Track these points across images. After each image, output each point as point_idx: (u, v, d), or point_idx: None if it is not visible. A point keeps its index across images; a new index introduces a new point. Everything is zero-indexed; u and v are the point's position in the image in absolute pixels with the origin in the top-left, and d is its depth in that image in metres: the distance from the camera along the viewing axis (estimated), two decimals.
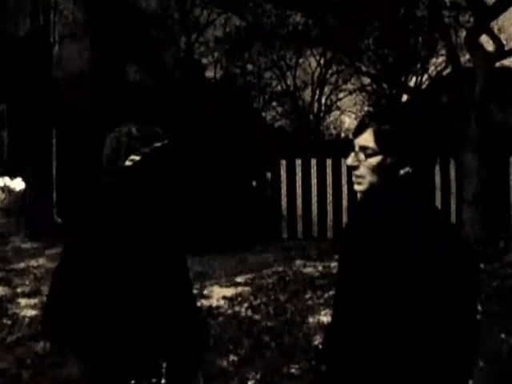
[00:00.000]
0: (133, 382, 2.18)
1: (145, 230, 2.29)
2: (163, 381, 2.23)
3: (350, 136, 2.06)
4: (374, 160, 1.93)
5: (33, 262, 9.92)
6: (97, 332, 2.19)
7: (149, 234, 2.29)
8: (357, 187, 2.01)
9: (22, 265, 9.72)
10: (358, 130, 2.00)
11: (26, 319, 6.63)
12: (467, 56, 14.30)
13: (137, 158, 2.25)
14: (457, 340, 1.83)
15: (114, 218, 2.27)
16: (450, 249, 1.86)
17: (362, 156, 1.96)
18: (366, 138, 1.96)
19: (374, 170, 1.94)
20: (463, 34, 15.70)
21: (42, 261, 10.02)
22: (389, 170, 1.93)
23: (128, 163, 2.25)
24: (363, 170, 1.96)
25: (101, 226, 2.26)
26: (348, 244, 2.10)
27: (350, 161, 2.00)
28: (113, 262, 2.20)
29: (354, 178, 2.01)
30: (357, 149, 1.99)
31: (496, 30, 13.32)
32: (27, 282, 8.56)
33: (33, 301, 7.47)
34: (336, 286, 2.20)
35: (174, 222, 2.46)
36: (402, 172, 1.92)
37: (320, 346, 2.22)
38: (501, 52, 12.02)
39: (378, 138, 1.93)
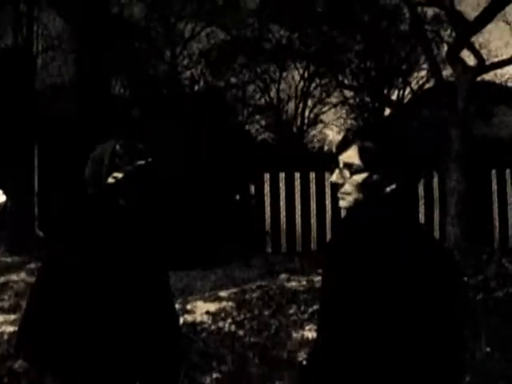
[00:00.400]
0: None
1: (126, 247, 2.25)
2: None
3: (334, 149, 2.05)
4: (359, 177, 1.92)
5: (13, 277, 9.79)
6: (72, 352, 2.14)
7: (130, 251, 2.25)
8: (342, 203, 1.99)
9: (1, 279, 9.58)
10: (342, 146, 1.99)
11: (5, 336, 6.52)
12: (449, 70, 14.43)
13: (120, 175, 2.22)
14: (446, 352, 1.81)
15: (94, 235, 2.23)
16: (437, 258, 1.86)
17: (346, 173, 1.94)
18: (351, 155, 1.94)
19: (359, 187, 1.93)
20: (445, 47, 15.90)
21: (22, 275, 9.89)
22: (374, 187, 1.92)
23: (111, 180, 2.22)
24: (348, 187, 1.95)
25: (80, 243, 2.21)
26: (332, 259, 2.07)
27: (334, 178, 1.98)
28: (91, 279, 2.15)
29: (338, 195, 1.99)
30: (341, 165, 1.97)
31: (477, 45, 13.45)
32: (6, 297, 8.43)
33: (12, 316, 7.34)
34: (320, 301, 2.18)
35: (156, 240, 2.42)
36: (387, 189, 1.91)
37: (304, 362, 2.19)
38: (482, 66, 12.14)
39: (362, 154, 1.91)
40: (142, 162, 2.26)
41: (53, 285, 2.16)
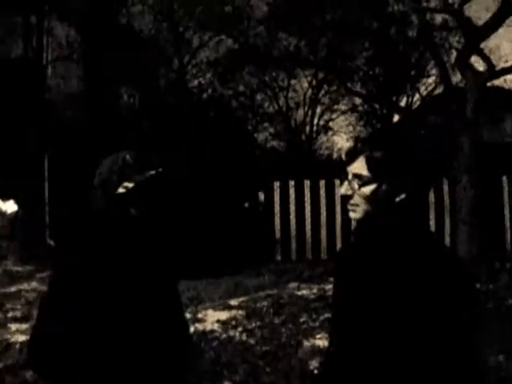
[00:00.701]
0: None
1: (136, 257, 2.25)
2: None
3: (343, 157, 2.04)
4: (368, 189, 1.91)
5: (25, 286, 9.82)
6: (83, 364, 2.13)
7: (140, 261, 2.25)
8: (351, 215, 1.98)
9: (13, 288, 9.62)
10: (351, 157, 1.97)
11: (17, 345, 6.53)
12: (458, 76, 14.40)
13: (130, 185, 2.22)
14: (459, 362, 1.79)
15: (104, 244, 2.23)
16: (448, 267, 1.84)
17: (355, 185, 1.93)
18: (359, 166, 1.93)
19: (368, 199, 1.91)
20: (454, 53, 15.87)
21: (34, 284, 9.93)
22: (383, 198, 1.90)
23: (121, 190, 2.22)
24: (357, 198, 1.93)
25: (90, 253, 2.21)
26: (343, 269, 2.07)
27: (343, 190, 1.97)
28: (101, 290, 2.15)
29: (348, 207, 1.98)
30: (350, 177, 1.96)
31: (487, 51, 13.41)
32: (19, 306, 8.46)
33: (24, 326, 7.36)
34: (332, 310, 2.17)
35: (166, 249, 2.43)
36: (397, 199, 1.90)
37: (316, 372, 2.17)
38: (492, 72, 12.10)
39: (370, 165, 1.90)
40: (153, 172, 2.26)
41: (64, 295, 2.16)
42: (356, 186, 1.93)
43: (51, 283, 2.24)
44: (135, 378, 2.18)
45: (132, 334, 2.18)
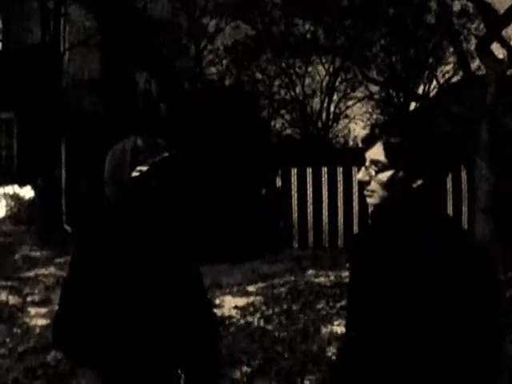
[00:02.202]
0: None
1: (155, 240, 2.25)
2: None
3: (359, 144, 2.04)
4: (384, 176, 1.91)
5: (43, 271, 9.89)
6: (111, 343, 2.14)
7: (160, 244, 2.25)
8: (369, 200, 1.99)
9: (31, 273, 9.68)
10: (368, 143, 1.97)
11: (37, 329, 6.60)
12: (477, 63, 14.26)
13: (144, 168, 2.20)
14: (480, 347, 1.78)
15: (123, 228, 2.23)
16: (465, 253, 1.83)
17: (372, 171, 1.93)
18: (376, 152, 1.93)
19: (385, 185, 1.91)
20: (473, 40, 15.69)
21: (51, 269, 9.98)
22: (400, 184, 1.90)
23: (135, 174, 2.20)
24: (374, 185, 1.94)
25: (111, 235, 2.21)
26: (360, 253, 2.07)
27: (360, 176, 1.98)
28: (125, 271, 2.15)
29: (365, 192, 1.98)
30: (367, 163, 1.96)
31: (508, 38, 13.24)
32: (37, 291, 8.52)
33: (43, 310, 7.43)
34: (348, 295, 2.18)
35: (184, 232, 2.42)
36: (414, 185, 1.89)
37: (335, 358, 2.18)
38: None
39: (388, 151, 1.90)
40: (166, 154, 2.24)
41: (86, 278, 2.16)
42: (373, 172, 1.93)
43: (72, 265, 2.24)
44: (164, 358, 2.18)
45: (157, 316, 2.18)
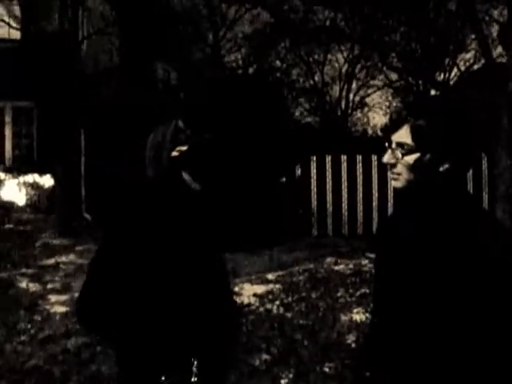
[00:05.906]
0: (163, 377, 2.14)
1: (189, 223, 2.24)
2: (194, 378, 2.19)
3: (379, 132, 2.00)
4: (411, 158, 1.88)
5: (63, 259, 9.95)
6: (132, 323, 2.15)
7: (190, 229, 2.24)
8: (394, 184, 1.96)
9: (51, 261, 9.75)
10: (395, 125, 1.95)
11: (57, 316, 6.65)
12: (499, 50, 14.05)
13: (184, 148, 2.20)
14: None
15: (159, 208, 2.22)
16: (500, 239, 1.81)
17: (398, 153, 1.90)
18: (403, 135, 1.90)
19: (412, 168, 1.88)
20: (495, 27, 15.48)
21: (71, 257, 10.05)
22: (427, 168, 1.87)
23: (175, 153, 2.20)
24: (400, 167, 1.91)
25: (147, 215, 2.20)
26: (385, 239, 2.03)
27: (386, 158, 1.95)
28: (157, 251, 2.15)
29: (390, 175, 1.96)
30: (393, 145, 1.93)
31: None
32: (57, 279, 8.59)
33: (63, 297, 7.49)
34: (374, 283, 2.14)
35: (215, 218, 2.41)
36: (441, 169, 1.86)
37: (355, 346, 2.16)
38: None
39: (415, 134, 1.86)
40: (207, 136, 2.23)
41: (113, 260, 2.15)
42: (399, 155, 1.90)
43: (101, 246, 2.24)
44: (180, 343, 2.18)
45: (177, 300, 2.18)
